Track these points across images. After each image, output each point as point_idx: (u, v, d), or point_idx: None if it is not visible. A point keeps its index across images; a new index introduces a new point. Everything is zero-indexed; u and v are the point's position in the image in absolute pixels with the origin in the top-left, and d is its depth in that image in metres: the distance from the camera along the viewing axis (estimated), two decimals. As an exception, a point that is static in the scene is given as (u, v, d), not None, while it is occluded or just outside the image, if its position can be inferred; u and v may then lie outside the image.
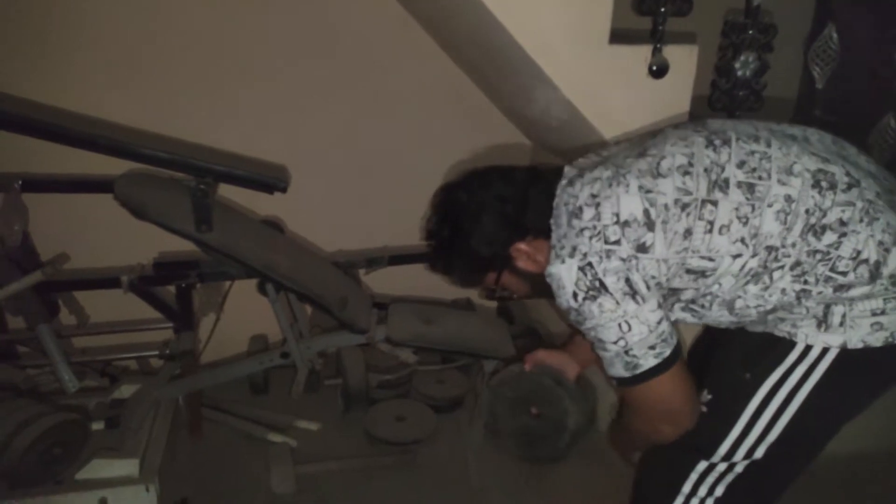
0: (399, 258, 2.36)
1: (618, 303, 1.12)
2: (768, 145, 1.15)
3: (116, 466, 1.76)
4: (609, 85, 1.66)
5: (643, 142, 1.26)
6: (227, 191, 1.95)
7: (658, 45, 1.63)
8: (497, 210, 1.27)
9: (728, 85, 1.81)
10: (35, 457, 1.70)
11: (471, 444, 2.00)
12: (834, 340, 1.10)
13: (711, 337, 1.44)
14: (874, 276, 1.08)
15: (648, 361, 1.15)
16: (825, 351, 1.11)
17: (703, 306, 1.22)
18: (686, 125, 1.28)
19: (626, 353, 1.15)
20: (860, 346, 1.09)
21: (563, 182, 1.26)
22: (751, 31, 1.76)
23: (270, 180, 1.78)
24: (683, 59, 1.67)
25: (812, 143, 1.20)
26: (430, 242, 1.38)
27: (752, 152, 1.14)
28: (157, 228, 1.74)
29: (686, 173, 1.14)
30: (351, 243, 2.47)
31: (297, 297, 2.00)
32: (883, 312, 1.08)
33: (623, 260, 1.12)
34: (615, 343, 1.15)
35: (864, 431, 2.02)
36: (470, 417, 2.11)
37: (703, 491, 1.22)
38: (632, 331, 1.13)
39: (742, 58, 1.77)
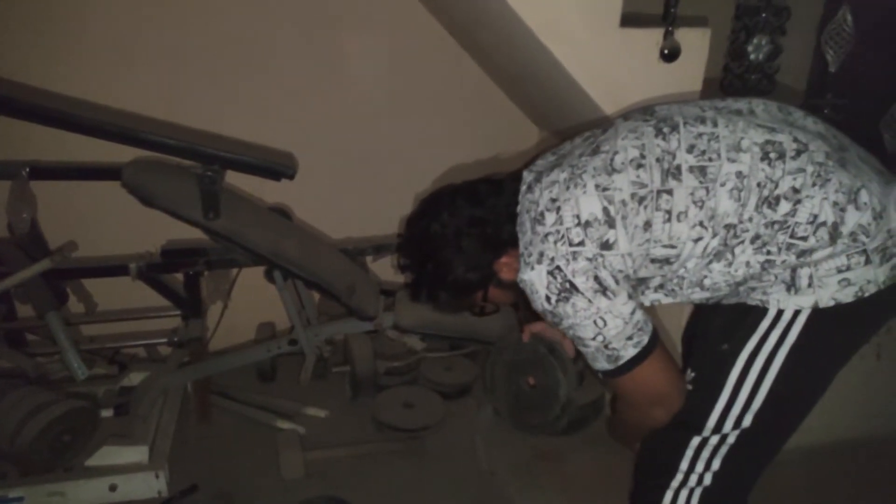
0: (407, 245, 2.35)
1: (590, 301, 1.15)
2: (715, 125, 1.16)
3: (126, 453, 1.77)
4: (620, 69, 1.64)
5: (595, 136, 1.27)
6: (234, 178, 1.94)
7: (670, 29, 1.60)
8: (476, 234, 1.27)
9: (741, 68, 1.79)
10: (45, 444, 1.72)
11: (479, 431, 2.00)
12: (805, 302, 1.12)
13: (697, 318, 1.47)
14: (833, 236, 1.09)
15: (628, 352, 1.18)
16: (797, 313, 1.13)
17: (673, 289, 1.25)
18: (635, 114, 1.28)
19: (606, 346, 1.18)
20: (832, 303, 1.11)
21: (523, 188, 1.27)
22: (764, 14, 1.73)
23: (278, 167, 1.77)
24: (695, 43, 1.64)
25: (758, 114, 1.20)
26: (410, 277, 1.37)
27: (700, 134, 1.15)
28: (164, 216, 1.73)
29: (640, 166, 1.16)
30: (358, 230, 2.46)
31: (305, 285, 2.00)
32: (848, 268, 1.09)
33: (589, 259, 1.14)
34: (594, 339, 1.18)
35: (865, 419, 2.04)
36: (478, 403, 2.11)
37: (700, 466, 1.22)
38: (607, 325, 1.16)
39: (755, 41, 1.75)
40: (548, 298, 1.17)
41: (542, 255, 1.17)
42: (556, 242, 1.16)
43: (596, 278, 1.14)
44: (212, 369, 2.03)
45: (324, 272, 1.89)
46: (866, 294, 1.10)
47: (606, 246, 1.14)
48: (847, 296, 1.10)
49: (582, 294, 1.14)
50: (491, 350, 1.76)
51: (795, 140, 1.13)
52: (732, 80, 1.96)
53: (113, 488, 1.73)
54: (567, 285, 1.15)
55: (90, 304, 2.24)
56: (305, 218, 2.41)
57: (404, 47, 2.35)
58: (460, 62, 2.41)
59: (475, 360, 2.38)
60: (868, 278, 1.10)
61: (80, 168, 2.04)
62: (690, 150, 1.14)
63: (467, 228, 1.27)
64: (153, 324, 2.26)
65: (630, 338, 1.18)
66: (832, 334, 1.16)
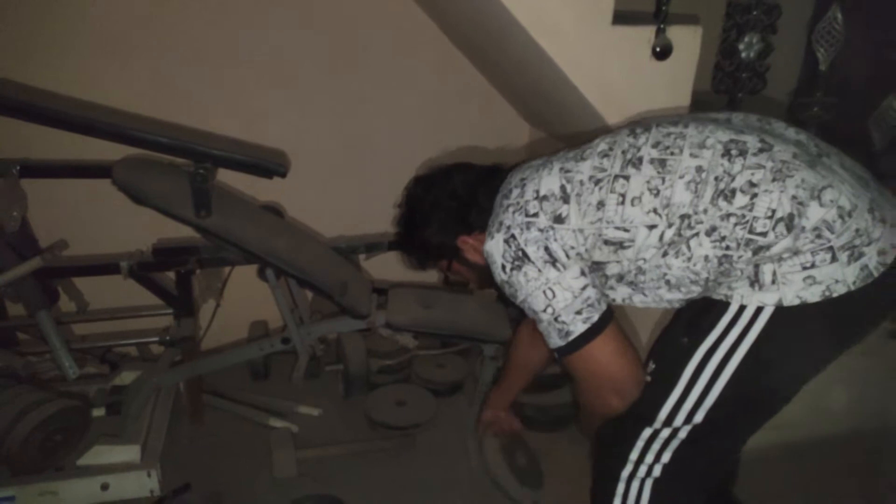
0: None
1: (540, 270, 1.22)
2: (685, 127, 1.21)
3: (118, 452, 1.76)
4: (612, 66, 1.64)
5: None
6: (226, 176, 1.94)
7: (661, 26, 1.61)
8: (446, 206, 1.43)
9: (731, 67, 1.80)
10: (36, 444, 1.71)
11: (471, 428, 2.00)
12: (769, 299, 1.09)
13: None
14: (790, 227, 1.07)
15: (578, 327, 1.22)
16: (759, 310, 1.10)
17: (639, 284, 1.26)
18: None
19: (556, 319, 1.22)
20: (796, 302, 1.07)
21: (508, 178, 1.38)
22: (755, 12, 1.74)
23: (270, 165, 1.77)
24: (687, 41, 1.65)
25: (733, 122, 1.23)
26: (396, 229, 1.58)
27: (669, 134, 1.21)
28: (156, 214, 1.72)
29: (605, 156, 1.24)
30: (351, 229, 2.46)
31: (298, 283, 1.99)
32: (813, 265, 1.06)
33: (541, 230, 1.22)
34: (544, 311, 1.23)
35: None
36: (469, 401, 2.11)
37: (649, 458, 1.21)
38: (556, 297, 1.21)
39: (746, 39, 1.75)
40: (503, 267, 1.26)
41: (501, 224, 1.27)
42: (514, 213, 1.26)
43: (546, 249, 1.21)
44: (204, 368, 2.03)
45: (316, 270, 1.89)
46: (835, 294, 1.06)
47: (559, 219, 1.22)
48: (813, 295, 1.07)
49: (533, 263, 1.22)
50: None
51: (762, 141, 1.15)
52: (723, 78, 1.97)
53: (105, 487, 1.72)
54: (520, 253, 1.23)
55: (81, 302, 2.22)
56: (298, 216, 2.41)
57: (397, 46, 2.35)
58: (453, 60, 2.41)
59: (467, 358, 2.39)
60: (836, 277, 1.06)
61: (70, 166, 2.03)
62: (656, 145, 1.20)
63: (446, 200, 1.43)
64: (145, 322, 2.25)
65: (579, 312, 1.21)
66: (797, 336, 1.12)
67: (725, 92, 1.97)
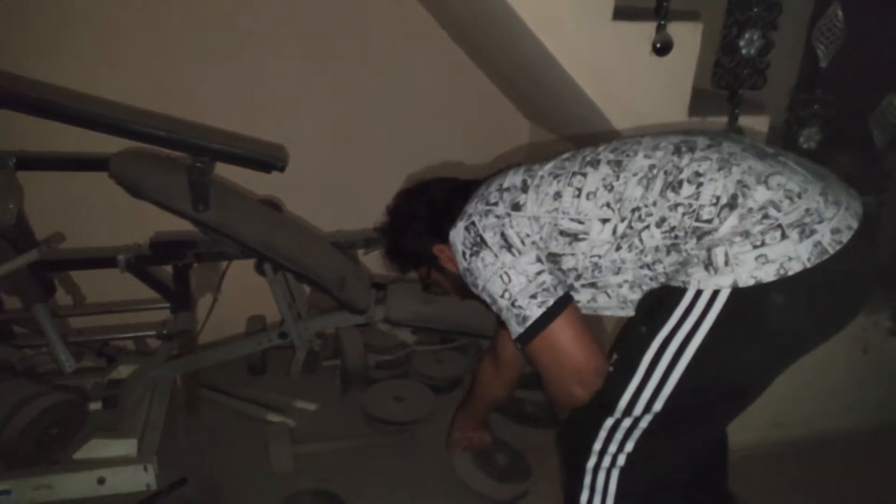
0: (397, 238, 2.34)
1: (496, 255, 1.26)
2: (642, 137, 1.27)
3: (114, 446, 1.76)
4: (613, 62, 1.64)
5: None
6: (224, 170, 1.93)
7: (662, 22, 1.61)
8: (420, 215, 1.49)
9: (732, 63, 1.79)
10: (32, 437, 1.71)
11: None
12: (724, 281, 1.08)
13: None
14: (733, 207, 1.09)
15: (533, 311, 1.23)
16: (716, 294, 1.08)
17: (600, 284, 1.26)
18: None
19: (513, 304, 1.25)
20: (752, 282, 1.06)
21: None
22: (756, 9, 1.73)
23: (268, 159, 1.76)
24: (687, 37, 1.65)
25: (693, 133, 1.26)
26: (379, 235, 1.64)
27: (626, 141, 1.28)
28: (153, 207, 1.72)
29: (567, 160, 1.31)
30: (349, 223, 2.45)
31: (295, 277, 1.99)
32: (763, 244, 1.06)
33: (498, 217, 1.27)
34: (502, 296, 1.26)
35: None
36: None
37: (612, 448, 1.21)
38: (512, 281, 1.25)
39: (746, 35, 1.75)
40: (464, 254, 1.30)
41: (464, 212, 1.34)
42: (476, 203, 1.32)
43: (503, 235, 1.26)
44: (201, 362, 2.02)
45: (314, 265, 1.88)
46: (790, 272, 1.05)
47: (516, 207, 1.27)
48: (768, 274, 1.05)
49: (490, 248, 1.26)
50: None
51: (711, 139, 1.20)
52: (724, 75, 1.96)
53: (101, 481, 1.72)
54: (478, 239, 1.28)
55: (78, 296, 2.22)
56: (296, 210, 2.40)
57: (397, 42, 2.34)
58: (453, 57, 2.40)
59: (465, 354, 2.38)
60: (788, 255, 1.05)
61: (67, 158, 2.02)
62: (613, 150, 1.26)
63: (421, 210, 1.49)
64: (142, 316, 2.25)
65: (534, 296, 1.23)
66: (757, 317, 1.09)
67: (726, 88, 1.97)
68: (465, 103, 2.48)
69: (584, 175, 1.24)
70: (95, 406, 1.94)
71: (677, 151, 1.18)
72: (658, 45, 1.62)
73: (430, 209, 1.48)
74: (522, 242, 1.26)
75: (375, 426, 2.07)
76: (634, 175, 1.19)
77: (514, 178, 1.32)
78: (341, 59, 2.31)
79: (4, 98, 1.62)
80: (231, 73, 2.22)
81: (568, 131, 2.13)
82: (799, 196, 1.08)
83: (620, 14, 1.60)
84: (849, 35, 1.90)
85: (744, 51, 1.77)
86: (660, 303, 1.16)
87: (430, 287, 1.60)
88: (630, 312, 1.31)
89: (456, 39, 2.37)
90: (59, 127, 1.64)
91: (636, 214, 1.17)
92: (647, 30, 1.63)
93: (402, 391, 2.19)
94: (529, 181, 1.29)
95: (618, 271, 1.23)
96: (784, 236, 1.06)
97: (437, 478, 1.88)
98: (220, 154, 1.73)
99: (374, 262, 2.44)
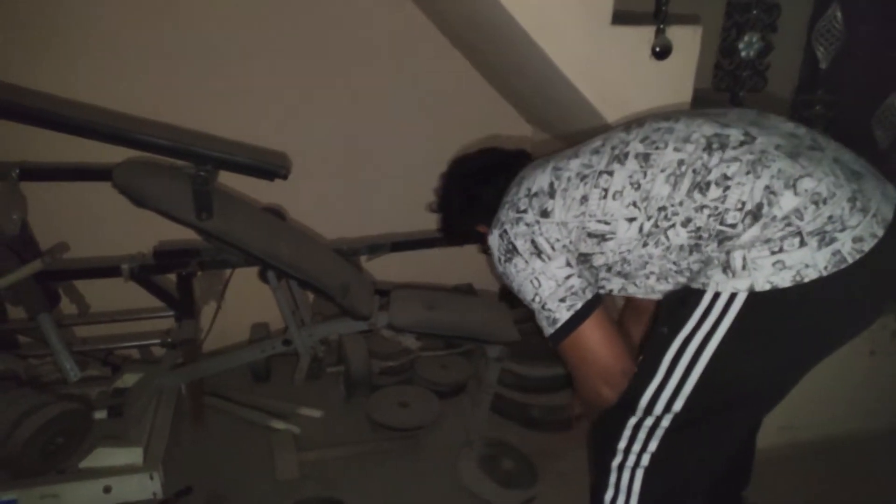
0: (401, 245, 2.35)
1: (527, 262, 1.29)
2: (676, 122, 1.24)
3: (120, 455, 1.76)
4: (612, 66, 1.64)
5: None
6: (227, 178, 1.94)
7: (661, 26, 1.61)
8: (458, 200, 1.58)
9: (732, 65, 1.80)
10: (38, 447, 1.71)
11: (474, 429, 2.00)
12: (741, 284, 1.09)
13: None
14: (756, 217, 1.08)
15: (563, 314, 1.27)
16: (733, 296, 1.10)
17: (627, 273, 1.29)
18: None
19: (543, 307, 1.28)
20: (767, 287, 1.07)
21: (520, 172, 1.44)
22: (755, 11, 1.74)
23: (271, 167, 1.77)
24: (687, 40, 1.65)
25: (727, 115, 1.24)
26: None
27: (658, 129, 1.24)
28: (157, 217, 1.72)
29: (595, 153, 1.29)
30: (352, 230, 2.46)
31: (299, 285, 1.99)
32: (781, 250, 1.06)
33: (528, 225, 1.29)
34: (533, 300, 1.30)
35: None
36: (472, 402, 2.11)
37: (636, 446, 1.22)
38: (542, 286, 1.28)
39: (746, 38, 1.75)
40: (499, 259, 1.34)
41: (497, 220, 1.36)
42: (507, 210, 1.34)
43: (533, 242, 1.28)
44: (206, 370, 2.02)
45: (317, 272, 1.89)
46: (806, 279, 1.05)
47: (544, 214, 1.28)
48: (784, 280, 1.06)
49: (521, 255, 1.29)
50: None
51: (745, 134, 1.16)
52: (724, 77, 1.97)
53: (107, 490, 1.72)
54: (510, 246, 1.31)
55: (82, 305, 2.23)
56: (299, 218, 2.41)
57: (398, 48, 2.35)
58: (453, 61, 2.41)
59: (470, 359, 2.38)
60: (805, 262, 1.05)
61: (71, 169, 2.03)
62: (643, 140, 1.23)
63: (458, 188, 1.59)
64: (146, 325, 2.25)
65: (563, 300, 1.26)
66: (772, 321, 1.11)
67: (726, 90, 1.97)
68: (468, 109, 2.48)
69: (611, 173, 1.23)
70: (101, 415, 1.94)
71: (708, 148, 1.16)
72: (657, 49, 1.62)
73: (468, 193, 1.55)
74: (553, 248, 1.27)
75: (380, 432, 2.07)
76: (662, 171, 1.18)
77: (541, 181, 1.31)
78: (343, 67, 2.32)
79: (8, 109, 1.63)
80: (233, 81, 2.22)
81: (569, 136, 2.14)
82: (825, 201, 1.07)
83: (619, 18, 1.60)
84: (849, 36, 1.90)
85: (743, 53, 1.78)
86: (679, 304, 1.18)
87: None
88: (657, 297, 1.34)
89: (457, 46, 2.37)
90: (63, 137, 1.65)
91: (662, 213, 1.17)
92: (646, 34, 1.63)
93: (406, 397, 2.19)
94: (556, 184, 1.29)
95: (644, 265, 1.25)
96: (803, 243, 1.06)
97: (443, 484, 1.88)
98: (223, 162, 1.73)
99: (377, 268, 2.45)
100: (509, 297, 2.61)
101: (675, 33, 1.63)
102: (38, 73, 2.04)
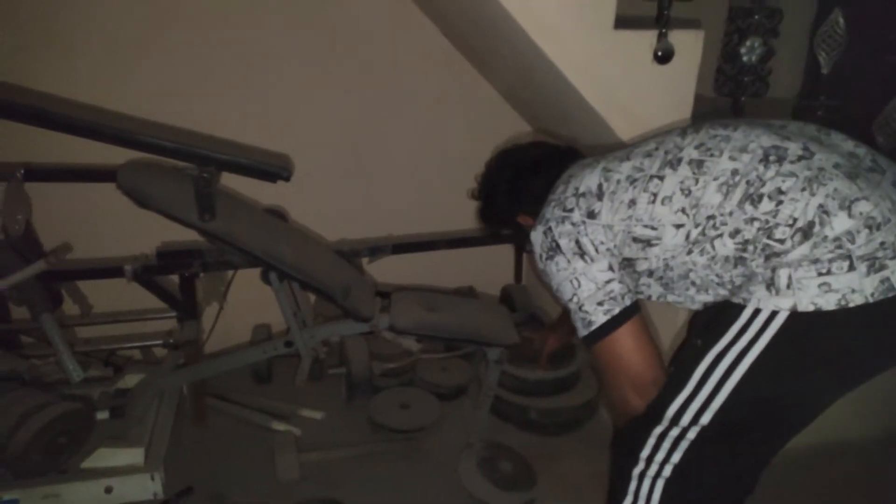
0: (402, 247, 2.36)
1: (569, 261, 1.28)
2: (734, 130, 1.21)
3: (121, 455, 1.76)
4: (614, 70, 1.65)
5: None
6: (230, 179, 1.94)
7: (663, 31, 1.61)
8: (504, 188, 1.56)
9: (734, 70, 1.80)
10: (40, 447, 1.71)
11: (475, 431, 2.00)
12: (784, 303, 1.07)
13: None
14: (807, 235, 1.06)
15: (599, 318, 1.26)
16: (774, 314, 1.08)
17: (668, 281, 1.28)
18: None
19: (580, 308, 1.28)
20: (811, 308, 1.05)
21: (568, 169, 1.42)
22: (757, 16, 1.74)
23: (273, 169, 1.77)
24: (689, 45, 1.66)
25: (787, 128, 1.21)
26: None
27: (715, 136, 1.22)
28: (160, 218, 1.73)
29: (648, 156, 1.26)
30: (354, 232, 2.46)
31: (301, 286, 1.99)
32: (829, 272, 1.04)
33: (574, 224, 1.28)
34: (571, 300, 1.29)
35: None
36: (473, 404, 2.11)
37: (659, 456, 1.21)
38: (581, 287, 1.27)
39: (748, 43, 1.76)
40: (541, 256, 1.33)
41: (542, 216, 1.35)
42: (554, 207, 1.32)
43: (577, 242, 1.27)
44: (208, 371, 2.03)
45: (319, 274, 1.89)
46: (850, 304, 1.03)
47: (591, 215, 1.27)
48: (829, 302, 1.04)
49: (563, 254, 1.28)
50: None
51: (804, 149, 1.13)
52: (725, 82, 1.97)
53: (109, 490, 1.72)
54: (554, 244, 1.30)
55: (85, 306, 2.23)
56: (301, 219, 2.42)
57: (401, 51, 2.36)
58: (456, 65, 2.41)
59: (471, 361, 2.38)
60: (852, 286, 1.03)
61: (74, 170, 2.04)
62: (699, 146, 1.21)
63: (503, 178, 1.57)
64: (148, 326, 2.26)
65: (601, 303, 1.26)
66: (811, 343, 1.09)
67: (728, 95, 1.98)
68: (470, 112, 2.49)
69: (662, 178, 1.21)
70: (103, 415, 1.95)
71: (765, 159, 1.13)
72: (660, 54, 1.63)
73: (511, 184, 1.54)
74: (596, 250, 1.27)
75: (381, 434, 2.08)
76: (715, 180, 1.15)
77: (590, 181, 1.30)
78: (344, 69, 2.33)
79: (13, 110, 1.64)
80: (236, 83, 2.23)
81: (571, 139, 2.14)
82: (878, 227, 1.04)
83: (622, 23, 1.61)
84: (851, 41, 1.91)
85: (745, 58, 1.79)
86: (717, 317, 1.16)
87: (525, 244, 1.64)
88: (696, 307, 1.33)
89: (459, 48, 2.38)
90: (67, 139, 1.66)
91: (711, 222, 1.15)
92: (648, 38, 1.64)
93: (407, 399, 2.19)
94: (605, 186, 1.27)
95: (687, 274, 1.24)
96: (852, 268, 1.04)
97: (443, 486, 1.88)
98: (225, 164, 1.74)
99: (378, 270, 2.45)
100: (509, 300, 2.62)
101: (678, 38, 1.64)
102: (39, 74, 2.05)
